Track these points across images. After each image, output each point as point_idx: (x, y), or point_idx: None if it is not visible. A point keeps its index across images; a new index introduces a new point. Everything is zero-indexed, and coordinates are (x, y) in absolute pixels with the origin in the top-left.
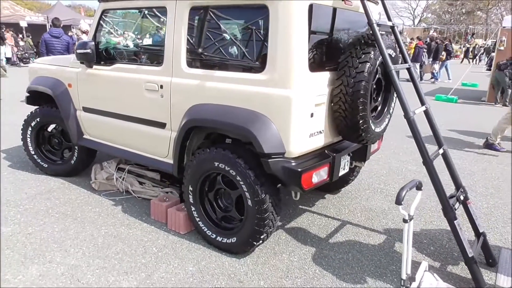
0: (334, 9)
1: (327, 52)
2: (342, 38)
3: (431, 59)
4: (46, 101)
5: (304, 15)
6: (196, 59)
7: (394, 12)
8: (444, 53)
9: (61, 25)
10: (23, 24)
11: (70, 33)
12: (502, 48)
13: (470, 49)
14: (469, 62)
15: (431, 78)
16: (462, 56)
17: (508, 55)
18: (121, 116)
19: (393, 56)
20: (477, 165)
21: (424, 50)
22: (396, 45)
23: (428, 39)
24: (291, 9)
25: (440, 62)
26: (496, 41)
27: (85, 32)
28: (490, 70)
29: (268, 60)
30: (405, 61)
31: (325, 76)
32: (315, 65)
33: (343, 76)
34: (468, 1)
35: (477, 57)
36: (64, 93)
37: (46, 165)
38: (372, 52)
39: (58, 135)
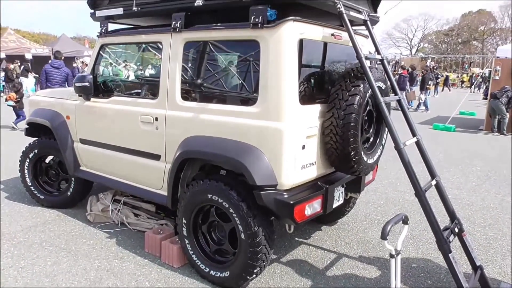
0: (325, 43)
1: (318, 85)
2: (333, 71)
3: (413, 87)
4: (45, 133)
5: (294, 50)
6: (190, 92)
7: (392, 42)
8: (430, 82)
9: (62, 57)
10: (28, 56)
11: (74, 64)
12: (497, 77)
13: (451, 77)
14: (449, 89)
15: (418, 106)
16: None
17: (503, 84)
18: (117, 147)
19: (383, 88)
20: (475, 195)
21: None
22: (386, 77)
23: (409, 69)
24: (281, 44)
25: (427, 92)
26: (491, 70)
27: None
28: (486, 99)
29: (259, 93)
30: (395, 93)
31: (316, 109)
32: (306, 97)
33: (333, 109)
34: (464, 31)
35: (474, 85)
36: (62, 125)
37: (43, 197)
38: (362, 85)
39: (55, 166)
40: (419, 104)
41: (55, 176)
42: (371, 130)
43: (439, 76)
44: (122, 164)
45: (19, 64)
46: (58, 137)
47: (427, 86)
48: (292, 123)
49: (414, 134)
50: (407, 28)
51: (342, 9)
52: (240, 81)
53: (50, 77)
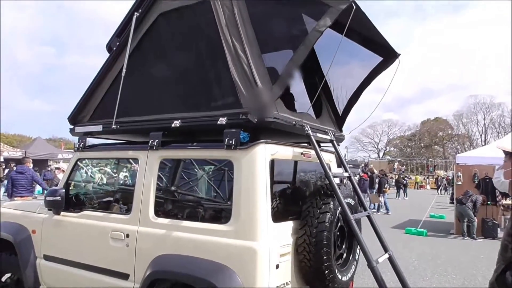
0: (295, 161)
1: (290, 201)
2: (304, 187)
3: (374, 190)
4: (6, 247)
5: (266, 170)
6: (164, 208)
7: (360, 146)
8: (387, 185)
9: (26, 163)
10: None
11: (48, 168)
12: (459, 182)
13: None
14: (400, 195)
15: (378, 208)
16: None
17: (465, 189)
18: (82, 265)
19: (352, 204)
20: None
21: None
22: (355, 193)
23: (369, 172)
24: (254, 165)
25: (384, 194)
26: (453, 174)
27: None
28: (453, 202)
29: (232, 212)
30: (364, 209)
31: (288, 226)
32: (279, 215)
33: (305, 226)
34: (425, 136)
35: (441, 188)
36: (26, 240)
37: None
38: (332, 203)
39: (13, 285)
40: (379, 206)
41: None
42: (343, 246)
43: (406, 179)
44: (86, 283)
45: (3, 167)
46: (20, 253)
47: (384, 189)
48: (265, 242)
49: (385, 250)
50: (373, 133)
51: (310, 131)
52: (213, 199)
53: (16, 182)
